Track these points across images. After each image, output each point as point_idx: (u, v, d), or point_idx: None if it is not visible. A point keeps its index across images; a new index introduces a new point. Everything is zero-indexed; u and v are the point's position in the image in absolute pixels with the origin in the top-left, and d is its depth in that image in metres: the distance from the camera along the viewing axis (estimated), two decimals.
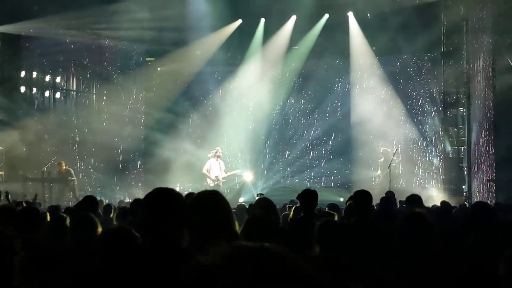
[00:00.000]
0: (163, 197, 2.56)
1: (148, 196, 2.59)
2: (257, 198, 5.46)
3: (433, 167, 16.63)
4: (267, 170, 18.69)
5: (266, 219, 3.99)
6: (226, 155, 16.69)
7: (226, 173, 15.35)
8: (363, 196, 5.20)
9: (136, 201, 5.50)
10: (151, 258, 2.43)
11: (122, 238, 2.91)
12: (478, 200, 12.15)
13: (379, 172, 15.74)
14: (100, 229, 4.41)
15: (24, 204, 7.43)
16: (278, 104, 18.89)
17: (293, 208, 6.56)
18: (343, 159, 18.10)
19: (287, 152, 18.78)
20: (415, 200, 6.25)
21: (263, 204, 4.88)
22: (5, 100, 15.37)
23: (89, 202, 5.45)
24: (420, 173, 16.70)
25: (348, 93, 18.11)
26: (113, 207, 7.86)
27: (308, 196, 5.34)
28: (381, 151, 15.93)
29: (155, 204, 2.55)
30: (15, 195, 14.27)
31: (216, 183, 14.88)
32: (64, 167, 14.96)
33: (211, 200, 2.47)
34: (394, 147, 15.69)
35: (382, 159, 15.71)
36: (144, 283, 2.36)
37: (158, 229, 2.49)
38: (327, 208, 7.57)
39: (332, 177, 18.21)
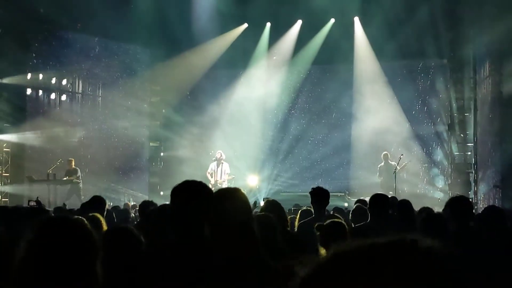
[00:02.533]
0: (192, 189, 2.58)
1: (177, 187, 2.60)
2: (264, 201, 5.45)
3: (439, 172, 16.57)
4: (271, 175, 18.63)
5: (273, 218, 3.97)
6: (230, 159, 16.66)
7: (229, 176, 15.35)
8: (379, 200, 5.22)
9: (146, 203, 5.48)
10: (178, 249, 2.41)
11: (123, 238, 2.87)
12: (485, 206, 12.07)
13: (380, 178, 15.55)
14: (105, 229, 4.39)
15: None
16: (283, 108, 18.85)
17: (299, 211, 6.54)
18: (347, 164, 18.03)
19: (291, 157, 18.72)
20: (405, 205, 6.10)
21: (270, 206, 4.85)
22: (12, 102, 15.40)
23: (96, 202, 5.42)
24: (425, 179, 16.62)
25: (353, 98, 18.04)
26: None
27: (320, 192, 5.35)
28: (382, 155, 15.68)
29: (184, 196, 2.56)
30: (20, 198, 14.34)
31: (215, 187, 14.85)
32: (73, 165, 15.00)
33: (228, 198, 2.46)
34: (399, 153, 15.53)
35: (382, 164, 15.45)
36: (167, 274, 2.35)
37: (185, 220, 2.50)
38: (332, 212, 7.57)
39: (336, 183, 18.10)
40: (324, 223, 4.23)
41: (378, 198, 5.26)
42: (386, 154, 15.46)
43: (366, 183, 16.53)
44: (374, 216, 5.13)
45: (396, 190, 13.76)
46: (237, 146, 18.30)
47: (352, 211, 5.75)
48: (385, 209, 5.16)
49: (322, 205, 5.43)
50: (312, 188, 5.52)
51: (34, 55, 16.16)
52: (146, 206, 5.13)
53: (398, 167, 14.43)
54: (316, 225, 4.15)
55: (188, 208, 2.51)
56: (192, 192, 2.55)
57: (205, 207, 2.40)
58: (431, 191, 15.99)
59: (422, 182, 16.44)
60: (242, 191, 2.57)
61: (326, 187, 17.16)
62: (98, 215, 4.58)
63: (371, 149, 16.97)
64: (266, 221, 3.73)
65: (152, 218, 4.16)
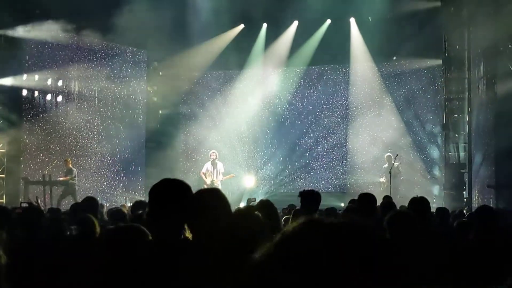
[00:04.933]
0: (171, 187, 2.55)
1: (156, 186, 2.57)
2: (250, 202, 5.45)
3: (435, 173, 16.61)
4: (266, 175, 18.67)
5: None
6: (227, 159, 16.70)
7: (223, 176, 15.38)
8: (366, 199, 5.24)
9: (138, 203, 5.49)
10: (156, 248, 2.41)
11: (131, 235, 2.86)
12: (478, 205, 12.11)
13: (382, 179, 15.60)
14: (98, 230, 4.40)
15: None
16: (280, 109, 18.90)
17: (293, 212, 6.55)
18: (343, 164, 18.09)
19: (288, 157, 18.74)
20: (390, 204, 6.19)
21: (264, 206, 4.85)
22: (7, 103, 15.39)
23: (88, 203, 5.42)
24: (420, 180, 16.65)
25: (349, 98, 18.11)
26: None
27: (310, 196, 5.35)
28: (385, 157, 15.78)
29: (162, 194, 2.53)
30: (16, 199, 14.34)
31: (211, 187, 14.85)
32: (70, 165, 14.99)
33: (208, 197, 2.47)
34: (395, 153, 15.59)
35: (386, 165, 15.56)
36: (150, 274, 2.34)
37: (164, 218, 2.47)
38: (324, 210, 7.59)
39: (333, 182, 18.17)
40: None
41: (365, 198, 5.28)
42: (389, 156, 15.48)
43: (363, 182, 16.60)
44: (362, 216, 5.16)
45: (392, 190, 13.80)
46: (234, 146, 18.34)
47: (343, 211, 5.78)
48: (372, 208, 5.18)
49: (312, 207, 5.41)
50: (300, 192, 5.51)
51: (29, 56, 16.13)
52: (137, 207, 5.14)
53: (394, 163, 14.57)
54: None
55: (166, 208, 2.48)
56: (170, 192, 2.52)
57: (183, 207, 2.40)
58: (426, 188, 15.99)
59: (417, 184, 16.45)
60: (221, 191, 2.58)
61: (323, 186, 17.15)
62: (91, 216, 4.59)
63: (367, 149, 17.05)
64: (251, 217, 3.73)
65: (142, 219, 4.17)
